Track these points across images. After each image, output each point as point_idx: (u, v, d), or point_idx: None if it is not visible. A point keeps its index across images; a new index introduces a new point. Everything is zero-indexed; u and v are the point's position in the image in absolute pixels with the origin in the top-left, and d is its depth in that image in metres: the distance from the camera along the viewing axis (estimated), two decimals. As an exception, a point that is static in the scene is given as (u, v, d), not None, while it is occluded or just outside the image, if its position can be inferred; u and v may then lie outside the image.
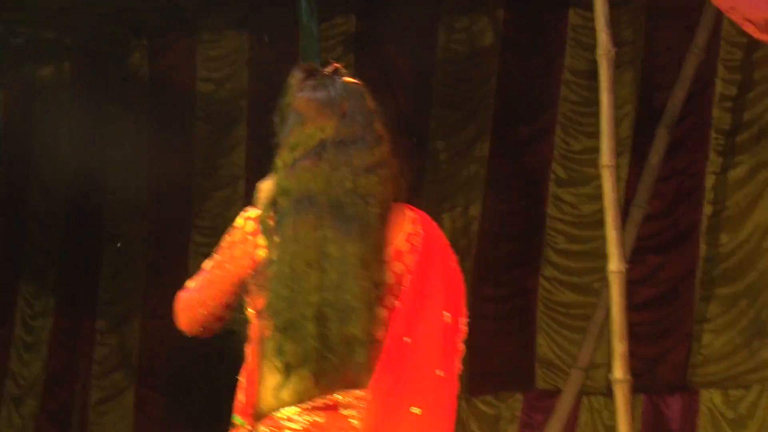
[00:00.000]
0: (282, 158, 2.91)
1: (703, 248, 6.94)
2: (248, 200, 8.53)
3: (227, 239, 2.92)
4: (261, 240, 2.84)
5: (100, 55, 9.22)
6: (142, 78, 9.13)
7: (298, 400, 2.78)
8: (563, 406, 6.44)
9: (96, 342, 8.80)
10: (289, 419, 2.77)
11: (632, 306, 5.57)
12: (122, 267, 8.95)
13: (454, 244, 7.75)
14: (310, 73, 3.08)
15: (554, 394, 6.96)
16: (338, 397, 2.79)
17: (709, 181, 6.97)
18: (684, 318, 6.92)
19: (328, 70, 3.09)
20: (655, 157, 6.66)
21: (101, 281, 8.90)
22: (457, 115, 7.84)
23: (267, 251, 2.83)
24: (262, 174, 8.84)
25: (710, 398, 6.82)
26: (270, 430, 2.79)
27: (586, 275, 7.18)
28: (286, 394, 2.79)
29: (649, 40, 7.24)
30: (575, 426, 7.05)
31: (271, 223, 2.84)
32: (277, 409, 2.79)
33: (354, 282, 2.77)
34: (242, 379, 2.84)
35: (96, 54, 9.22)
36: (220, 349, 7.98)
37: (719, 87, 7.01)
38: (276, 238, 2.82)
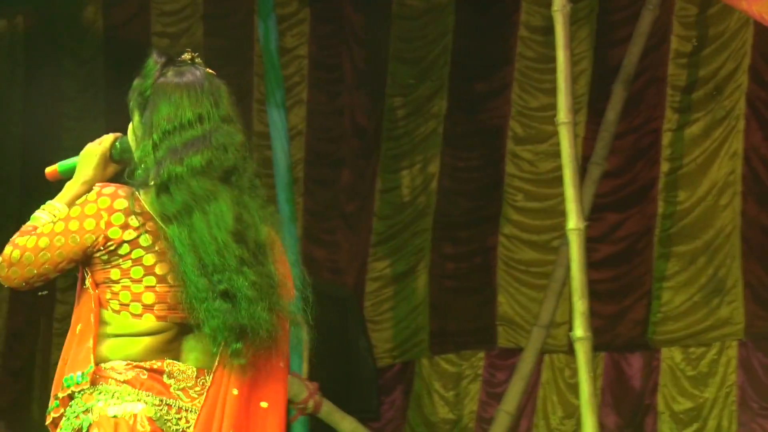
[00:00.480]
0: (158, 143, 2.93)
1: (661, 205, 6.90)
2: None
3: (77, 210, 2.93)
4: (117, 219, 2.88)
5: (53, 9, 9.08)
6: (97, 33, 8.99)
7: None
8: (525, 364, 6.42)
9: (56, 300, 8.69)
10: (113, 369, 2.92)
11: (592, 264, 5.57)
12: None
13: (413, 201, 7.76)
14: (170, 60, 3.11)
15: (516, 352, 6.94)
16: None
17: (666, 138, 6.93)
18: (643, 275, 6.89)
19: (186, 57, 3.15)
20: (612, 113, 6.62)
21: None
22: (414, 72, 7.75)
23: (157, 234, 2.91)
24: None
25: (671, 356, 6.81)
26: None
27: (545, 233, 7.13)
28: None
29: (605, -4, 7.20)
30: (537, 384, 7.05)
31: (169, 206, 2.89)
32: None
33: (271, 263, 2.90)
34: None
35: (49, 8, 9.08)
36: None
37: (674, 43, 6.96)
38: (176, 223, 2.89)
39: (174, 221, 2.89)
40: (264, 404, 2.93)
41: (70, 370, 2.94)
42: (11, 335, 8.94)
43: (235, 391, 2.89)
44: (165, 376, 2.92)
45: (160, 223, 2.91)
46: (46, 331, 8.74)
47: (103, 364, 2.92)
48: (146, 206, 2.92)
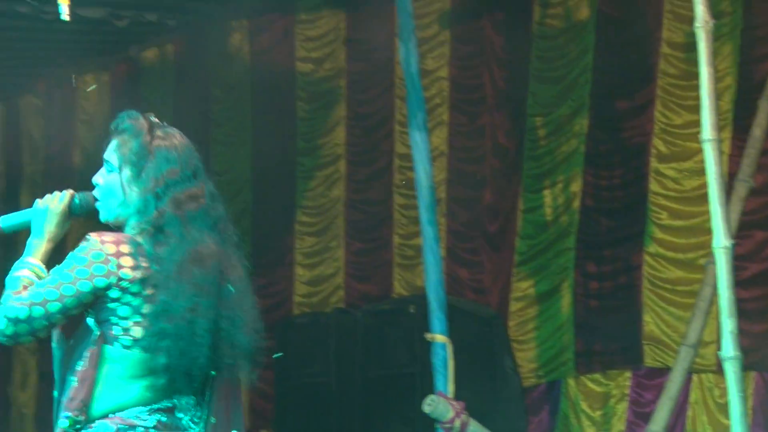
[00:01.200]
0: (161, 194, 3.23)
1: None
2: (350, 179, 8.41)
3: (83, 259, 3.13)
4: (127, 261, 3.12)
5: (201, 37, 9.19)
6: (243, 59, 9.07)
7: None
8: (673, 384, 6.26)
9: (206, 322, 8.74)
10: (138, 417, 3.13)
11: (739, 282, 5.40)
12: (231, 247, 8.87)
13: (556, 220, 7.64)
14: (154, 122, 3.37)
15: (664, 371, 6.77)
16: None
17: (816, 153, 6.71)
18: (794, 293, 6.69)
19: (155, 120, 3.40)
20: (758, 130, 6.44)
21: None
22: (554, 91, 7.64)
23: (149, 271, 3.14)
24: (362, 153, 8.75)
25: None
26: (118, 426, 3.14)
27: (691, 251, 6.95)
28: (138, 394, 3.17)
29: (748, 11, 6.99)
30: (686, 404, 6.86)
31: (160, 249, 3.16)
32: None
33: (248, 301, 3.23)
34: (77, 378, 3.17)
35: (198, 35, 9.20)
36: (327, 325, 7.96)
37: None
38: (168, 264, 3.14)
39: (167, 260, 3.14)
40: None
41: (76, 406, 3.13)
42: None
43: (213, 420, 3.18)
44: (176, 411, 3.17)
45: (156, 263, 3.14)
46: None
47: (123, 413, 3.14)
48: (145, 249, 3.17)
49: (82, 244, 3.14)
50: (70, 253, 3.14)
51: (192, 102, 9.12)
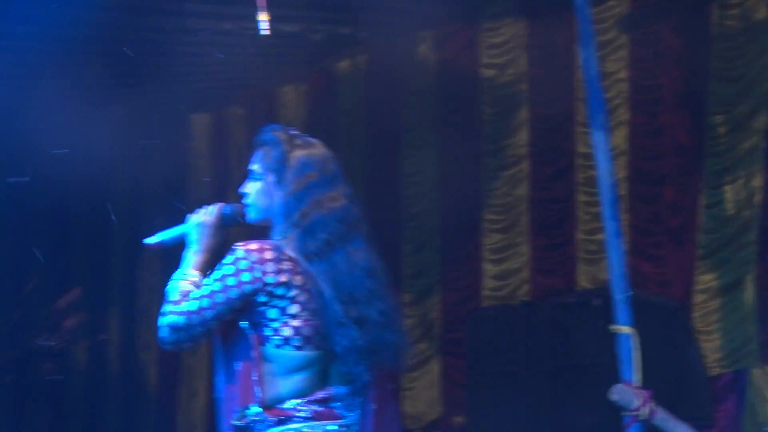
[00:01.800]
0: (304, 198, 3.37)
1: None
2: (534, 178, 8.41)
3: (231, 268, 3.28)
4: (270, 267, 3.26)
5: (391, 48, 9.30)
6: (430, 67, 9.14)
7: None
8: None
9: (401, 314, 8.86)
10: (296, 409, 3.26)
11: None
12: (422, 244, 8.99)
13: (738, 215, 7.49)
14: (293, 134, 3.50)
15: None
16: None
17: None
18: None
19: (295, 131, 3.52)
20: None
21: (403, 257, 8.99)
22: (734, 90, 7.51)
23: (302, 273, 3.29)
24: (544, 153, 8.70)
25: None
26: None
27: None
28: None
29: None
30: None
31: (313, 246, 3.30)
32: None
33: (390, 296, 3.40)
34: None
35: (388, 46, 9.32)
36: (515, 317, 7.99)
37: None
38: (318, 260, 3.30)
39: (316, 258, 3.29)
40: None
41: (242, 402, 3.28)
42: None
43: (374, 405, 3.33)
44: (331, 401, 3.29)
45: (304, 263, 3.28)
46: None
47: (281, 405, 3.27)
48: (290, 252, 3.31)
49: (229, 254, 3.29)
50: (219, 264, 3.30)
51: (383, 109, 9.24)
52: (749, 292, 7.29)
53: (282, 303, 3.28)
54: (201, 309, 3.25)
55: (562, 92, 8.29)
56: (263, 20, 7.99)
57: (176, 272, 3.40)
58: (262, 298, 3.28)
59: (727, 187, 7.41)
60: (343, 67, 9.65)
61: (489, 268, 8.63)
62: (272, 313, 3.28)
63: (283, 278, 3.27)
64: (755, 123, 7.38)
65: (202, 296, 3.26)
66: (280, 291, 3.27)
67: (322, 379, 3.30)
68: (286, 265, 3.29)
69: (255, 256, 3.27)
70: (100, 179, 10.57)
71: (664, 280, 7.74)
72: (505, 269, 8.56)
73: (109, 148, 10.01)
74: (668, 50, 7.82)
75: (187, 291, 3.30)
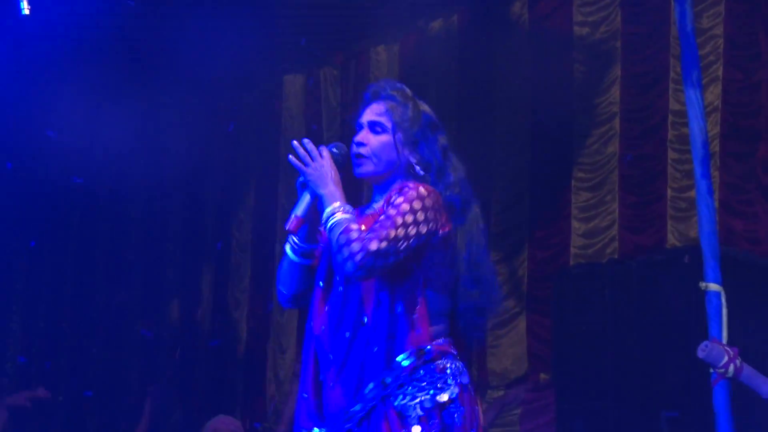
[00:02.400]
0: (440, 158, 3.46)
1: None
2: (625, 136, 8.17)
3: (418, 203, 3.26)
4: (442, 213, 3.32)
5: (484, 6, 9.18)
6: (523, 26, 8.99)
7: None
8: None
9: (495, 272, 8.80)
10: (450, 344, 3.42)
11: None
12: (511, 202, 8.84)
13: None
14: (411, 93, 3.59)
15: None
16: None
17: None
18: None
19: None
20: None
21: (492, 216, 8.88)
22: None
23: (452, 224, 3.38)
24: (637, 111, 8.47)
25: None
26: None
27: None
28: None
29: None
30: None
31: (458, 202, 3.40)
32: None
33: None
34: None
35: (481, 5, 9.19)
36: (603, 275, 7.81)
37: None
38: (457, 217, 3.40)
39: (459, 215, 3.38)
40: None
41: (415, 343, 3.27)
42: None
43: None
44: (453, 347, 3.36)
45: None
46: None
47: (439, 341, 3.31)
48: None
49: (410, 192, 3.28)
50: (396, 201, 3.28)
51: (474, 67, 9.15)
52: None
53: (443, 250, 3.32)
54: (398, 239, 3.22)
55: (655, 49, 8.11)
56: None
57: (328, 209, 3.34)
58: (433, 241, 3.30)
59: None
60: (436, 26, 9.56)
61: (577, 226, 8.47)
62: (436, 257, 3.31)
63: (448, 227, 3.34)
64: None
65: (392, 229, 3.23)
66: (444, 238, 3.32)
67: (452, 327, 3.40)
68: (446, 216, 3.35)
69: (434, 200, 3.30)
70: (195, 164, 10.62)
71: (755, 237, 7.48)
72: (593, 227, 8.39)
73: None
74: (765, 5, 7.53)
75: (353, 223, 3.27)
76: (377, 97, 3.54)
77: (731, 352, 4.66)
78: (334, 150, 3.49)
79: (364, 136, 3.50)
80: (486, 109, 9.07)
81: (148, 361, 10.99)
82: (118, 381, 10.95)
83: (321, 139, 10.20)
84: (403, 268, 3.29)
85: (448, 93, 9.24)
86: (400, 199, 3.28)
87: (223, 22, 8.86)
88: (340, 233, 3.23)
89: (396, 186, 3.41)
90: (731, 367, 4.60)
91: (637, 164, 8.20)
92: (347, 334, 3.28)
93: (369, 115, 3.52)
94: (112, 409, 10.85)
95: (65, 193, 10.78)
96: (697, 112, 5.76)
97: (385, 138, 3.46)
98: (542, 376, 8.49)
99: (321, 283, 3.44)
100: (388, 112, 3.48)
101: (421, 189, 3.31)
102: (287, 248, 3.46)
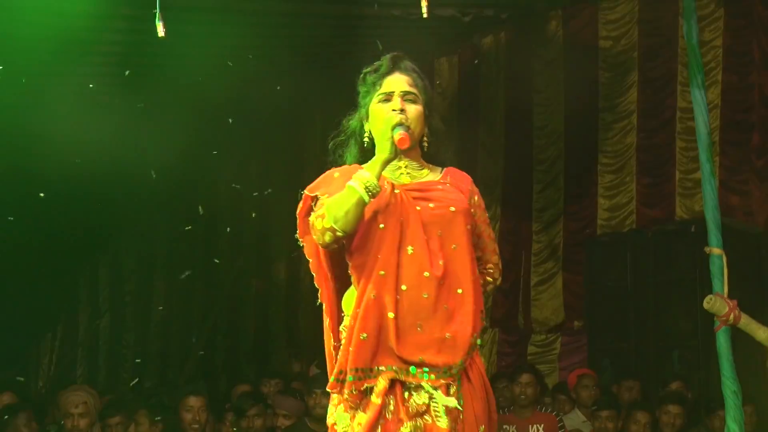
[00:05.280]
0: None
1: None
2: (641, 129, 8.00)
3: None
4: None
5: (526, 25, 9.09)
6: (558, 40, 8.89)
7: None
8: None
9: (532, 240, 8.74)
10: None
11: None
12: (548, 183, 8.77)
13: None
14: None
15: None
16: None
17: None
18: None
19: None
20: None
21: (533, 194, 8.82)
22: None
23: None
24: (651, 108, 8.33)
25: None
26: None
27: None
28: None
29: None
30: None
31: None
32: None
33: None
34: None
35: (523, 25, 9.10)
36: (624, 242, 7.73)
37: None
38: None
39: None
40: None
41: (478, 328, 2.76)
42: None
43: None
44: None
45: None
46: (526, 262, 8.82)
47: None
48: None
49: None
50: (485, 215, 2.94)
51: (518, 75, 9.05)
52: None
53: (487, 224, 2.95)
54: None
55: (666, 58, 7.98)
56: (424, 5, 7.88)
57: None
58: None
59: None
60: (488, 42, 9.47)
61: (603, 202, 8.39)
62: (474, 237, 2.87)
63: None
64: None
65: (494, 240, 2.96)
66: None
67: None
68: None
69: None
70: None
71: (749, 211, 7.38)
72: (616, 203, 8.30)
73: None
74: (758, 21, 7.38)
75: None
76: (399, 69, 2.86)
77: (731, 304, 4.60)
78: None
79: (400, 104, 2.80)
80: (527, 108, 9.00)
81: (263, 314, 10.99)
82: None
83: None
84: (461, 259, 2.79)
85: (496, 96, 9.19)
86: (486, 215, 2.94)
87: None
88: None
89: (466, 180, 2.93)
90: (731, 316, 4.55)
91: (652, 151, 8.10)
92: (459, 291, 2.74)
93: (400, 84, 2.83)
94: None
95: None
96: (701, 108, 5.70)
97: (420, 109, 2.83)
98: (576, 323, 8.42)
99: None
100: (416, 84, 2.85)
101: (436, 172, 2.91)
102: (360, 187, 2.69)
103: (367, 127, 2.90)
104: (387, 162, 2.75)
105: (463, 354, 2.72)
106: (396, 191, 2.82)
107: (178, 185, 10.62)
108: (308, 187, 2.88)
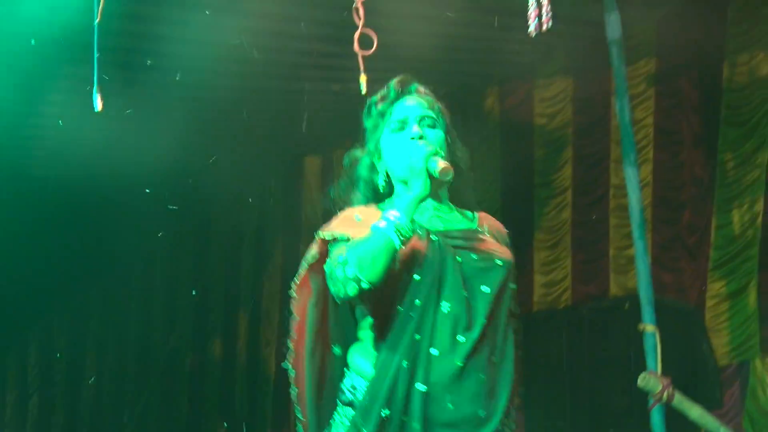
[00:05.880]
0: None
1: None
2: (576, 205, 8.10)
3: None
4: None
5: (463, 101, 9.15)
6: (494, 117, 8.97)
7: None
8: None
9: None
10: None
11: None
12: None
13: (743, 234, 7.11)
14: None
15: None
16: None
17: None
18: None
19: None
20: None
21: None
22: (740, 132, 7.16)
23: None
24: (585, 185, 8.42)
25: None
26: None
27: None
28: None
29: None
30: None
31: None
32: None
33: None
34: None
35: (460, 100, 9.16)
36: (560, 319, 7.71)
37: None
38: None
39: None
40: None
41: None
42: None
43: None
44: None
45: None
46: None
47: None
48: None
49: None
50: None
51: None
52: (752, 297, 6.95)
53: None
54: None
55: (600, 135, 8.08)
56: (363, 82, 7.91)
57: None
58: None
59: (734, 212, 7.08)
60: None
61: (538, 279, 8.38)
62: None
63: None
64: (758, 159, 7.05)
65: None
66: None
67: None
68: None
69: None
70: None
71: (681, 288, 7.42)
72: (551, 279, 8.31)
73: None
74: (687, 100, 7.52)
75: None
76: (410, 93, 2.54)
77: (665, 381, 4.58)
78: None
79: (419, 129, 2.46)
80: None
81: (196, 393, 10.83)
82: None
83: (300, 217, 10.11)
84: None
85: None
86: None
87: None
88: None
89: (502, 231, 2.65)
90: (665, 394, 4.53)
91: (586, 228, 8.14)
92: (494, 359, 2.41)
93: (414, 108, 2.50)
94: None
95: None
96: (634, 185, 5.77)
97: (440, 134, 2.53)
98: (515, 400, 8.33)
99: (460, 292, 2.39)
100: (433, 107, 2.54)
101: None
102: (391, 230, 2.29)
103: (381, 167, 2.50)
104: (422, 200, 2.34)
105: None
106: (433, 238, 2.39)
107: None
108: (323, 229, 2.44)
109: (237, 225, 10.85)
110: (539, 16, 4.07)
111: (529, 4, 4.08)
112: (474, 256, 2.42)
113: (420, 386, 2.25)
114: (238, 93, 8.29)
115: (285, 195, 10.72)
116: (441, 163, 2.36)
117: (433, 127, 2.51)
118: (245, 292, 10.89)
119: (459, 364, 2.29)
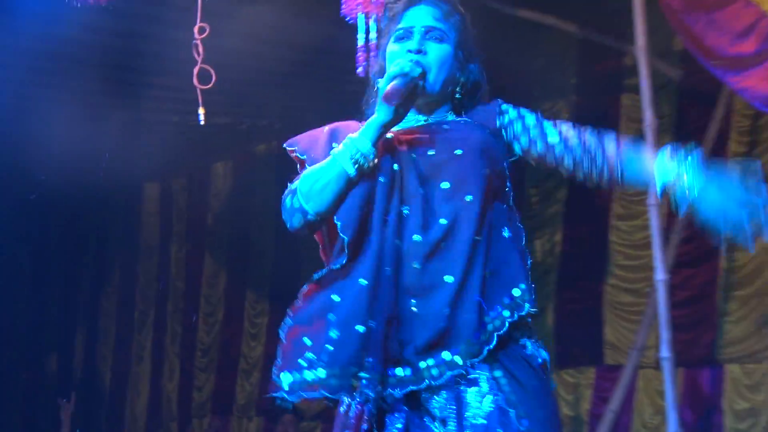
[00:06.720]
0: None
1: (723, 262, 6.63)
2: (564, 245, 7.87)
3: None
4: None
5: (295, 135, 9.23)
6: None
7: None
8: (625, 377, 6.20)
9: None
10: None
11: (674, 304, 5.40)
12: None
13: (543, 261, 7.59)
14: None
15: (619, 368, 6.69)
16: None
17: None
18: (711, 312, 6.63)
19: None
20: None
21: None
22: (544, 170, 7.59)
23: None
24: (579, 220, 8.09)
25: (732, 370, 6.54)
26: None
27: (639, 282, 6.91)
28: None
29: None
30: (634, 390, 6.80)
31: None
32: None
33: None
34: None
35: (294, 134, 9.23)
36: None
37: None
38: None
39: None
40: None
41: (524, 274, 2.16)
42: (269, 358, 9.04)
43: None
44: None
45: None
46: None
47: None
48: None
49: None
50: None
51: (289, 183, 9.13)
52: (550, 318, 7.39)
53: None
54: None
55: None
56: (201, 113, 7.96)
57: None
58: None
59: (537, 241, 7.51)
60: (261, 149, 9.57)
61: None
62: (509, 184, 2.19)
63: None
64: (558, 195, 7.53)
65: None
66: None
67: None
68: None
69: None
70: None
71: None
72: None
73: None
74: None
75: None
76: (427, 1, 2.16)
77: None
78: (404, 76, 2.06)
79: (419, 42, 2.10)
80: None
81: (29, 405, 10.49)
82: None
83: (171, 232, 10.07)
84: (503, 193, 2.22)
85: (269, 201, 9.28)
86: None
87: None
88: None
89: (492, 104, 2.22)
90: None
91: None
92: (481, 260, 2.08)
93: (422, 17, 2.13)
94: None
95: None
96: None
97: (447, 49, 2.13)
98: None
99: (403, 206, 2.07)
100: (447, 19, 2.14)
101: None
102: (345, 156, 2.05)
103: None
104: (385, 126, 2.05)
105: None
106: (388, 136, 2.06)
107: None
108: (289, 141, 2.24)
109: (77, 243, 10.67)
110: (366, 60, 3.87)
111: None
112: (431, 152, 2.12)
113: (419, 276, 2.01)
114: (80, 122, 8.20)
115: (125, 218, 10.64)
116: (388, 88, 2.03)
117: (441, 40, 2.14)
118: (83, 310, 10.73)
119: (416, 266, 2.03)
